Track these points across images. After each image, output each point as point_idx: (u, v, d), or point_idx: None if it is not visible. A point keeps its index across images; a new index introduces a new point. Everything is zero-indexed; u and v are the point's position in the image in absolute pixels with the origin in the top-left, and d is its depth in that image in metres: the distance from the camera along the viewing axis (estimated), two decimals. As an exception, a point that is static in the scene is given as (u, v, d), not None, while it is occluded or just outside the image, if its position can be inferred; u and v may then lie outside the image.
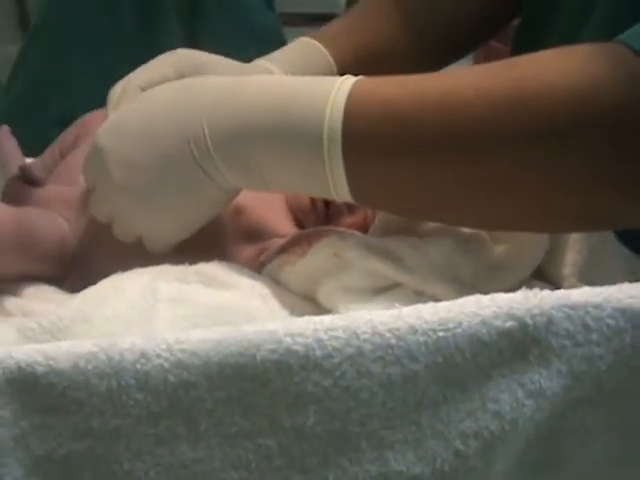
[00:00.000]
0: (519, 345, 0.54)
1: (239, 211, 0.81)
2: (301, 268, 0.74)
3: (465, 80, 0.62)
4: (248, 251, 0.81)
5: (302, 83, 0.68)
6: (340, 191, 0.67)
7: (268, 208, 0.82)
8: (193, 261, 0.77)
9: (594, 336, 0.55)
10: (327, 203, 0.81)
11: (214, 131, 0.69)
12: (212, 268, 0.76)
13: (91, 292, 0.73)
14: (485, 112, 0.59)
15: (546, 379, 0.55)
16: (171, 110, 0.71)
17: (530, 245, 0.74)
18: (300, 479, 0.54)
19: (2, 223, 0.74)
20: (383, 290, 0.71)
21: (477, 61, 2.16)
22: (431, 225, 0.76)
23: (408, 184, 0.64)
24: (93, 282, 0.73)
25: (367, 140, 0.64)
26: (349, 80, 0.66)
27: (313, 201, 0.81)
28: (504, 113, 0.59)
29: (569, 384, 0.55)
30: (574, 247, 0.76)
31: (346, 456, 0.54)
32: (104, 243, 0.79)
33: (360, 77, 0.66)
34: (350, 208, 0.81)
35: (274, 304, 0.71)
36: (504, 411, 0.55)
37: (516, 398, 0.55)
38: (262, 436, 0.53)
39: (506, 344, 0.54)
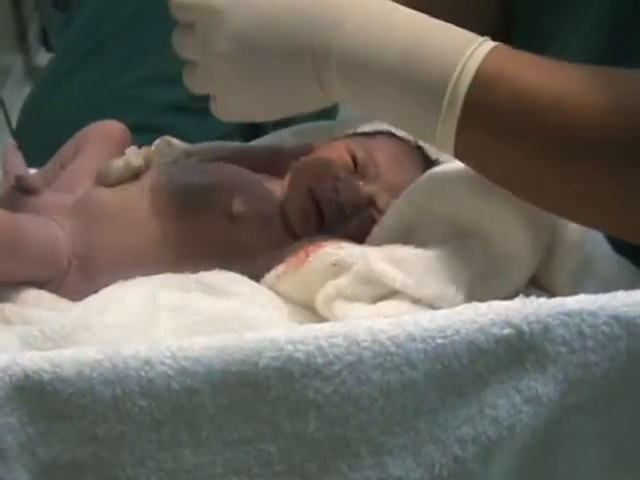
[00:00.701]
0: (516, 352, 0.55)
1: (234, 219, 0.81)
2: (299, 277, 0.75)
3: (583, 85, 0.64)
4: (244, 260, 0.81)
5: (437, 29, 0.68)
6: (444, 147, 0.68)
7: (262, 217, 0.83)
8: (193, 271, 0.78)
9: (589, 343, 0.56)
10: (321, 215, 0.82)
11: (342, 47, 0.69)
12: (212, 277, 0.77)
13: (93, 300, 0.74)
14: (594, 121, 0.62)
15: (542, 385, 0.56)
16: (305, 5, 0.71)
17: (526, 253, 0.75)
18: (300, 484, 0.55)
19: None
20: (381, 299, 0.72)
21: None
22: (428, 234, 0.77)
23: (509, 165, 0.67)
24: (91, 288, 0.74)
25: (484, 116, 0.65)
26: (484, 47, 0.66)
27: (306, 213, 0.82)
28: (612, 125, 0.62)
29: (565, 390, 0.56)
30: (570, 254, 0.76)
31: (346, 461, 0.55)
32: (100, 249, 0.80)
33: (496, 46, 0.67)
34: (345, 218, 0.81)
35: (273, 312, 0.72)
36: (501, 417, 0.56)
37: (513, 404, 0.56)
38: (263, 442, 0.54)
39: (503, 351, 0.55)
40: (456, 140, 0.66)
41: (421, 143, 0.92)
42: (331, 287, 0.73)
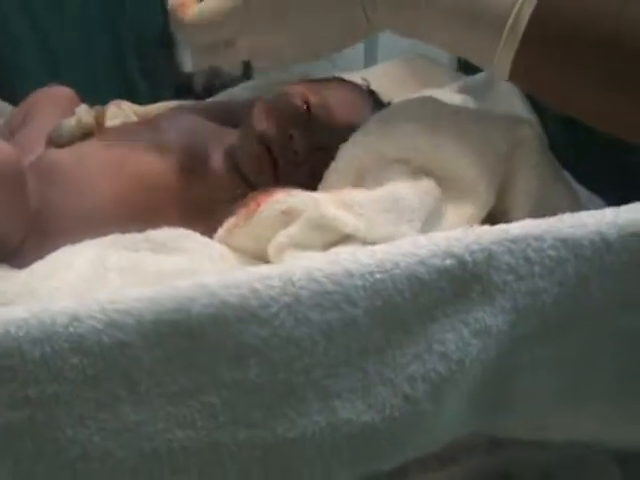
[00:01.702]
0: (460, 283, 0.53)
1: (188, 174, 0.79)
2: (250, 229, 0.73)
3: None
4: (200, 215, 0.79)
5: None
6: (499, 70, 0.68)
7: (218, 170, 0.81)
8: (143, 230, 0.76)
9: (536, 269, 0.54)
10: (276, 163, 0.80)
11: None
12: (161, 234, 0.75)
13: (38, 266, 0.72)
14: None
15: (490, 316, 0.54)
16: None
17: (480, 189, 0.73)
18: (247, 434, 0.53)
19: None
20: (334, 245, 0.70)
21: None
22: (380, 176, 0.75)
23: (569, 88, 0.67)
24: (49, 253, 0.72)
25: (543, 42, 0.66)
26: None
27: (260, 162, 0.80)
28: None
29: (514, 320, 0.54)
30: (524, 191, 0.74)
31: (292, 408, 0.53)
32: (56, 210, 0.78)
33: None
34: (300, 168, 0.79)
35: (223, 266, 0.70)
36: (450, 351, 0.54)
37: (461, 337, 0.54)
38: (204, 393, 0.52)
39: (446, 282, 0.53)
40: (516, 59, 0.66)
41: (373, 88, 0.90)
42: (283, 236, 0.71)
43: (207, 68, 0.94)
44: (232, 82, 1.07)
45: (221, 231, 0.76)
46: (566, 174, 0.80)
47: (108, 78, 1.18)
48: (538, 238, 0.53)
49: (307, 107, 0.81)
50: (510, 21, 0.65)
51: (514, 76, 0.68)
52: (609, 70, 0.64)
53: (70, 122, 0.82)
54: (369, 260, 0.51)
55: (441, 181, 0.74)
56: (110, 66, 1.20)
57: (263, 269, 0.51)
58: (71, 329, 0.50)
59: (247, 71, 1.37)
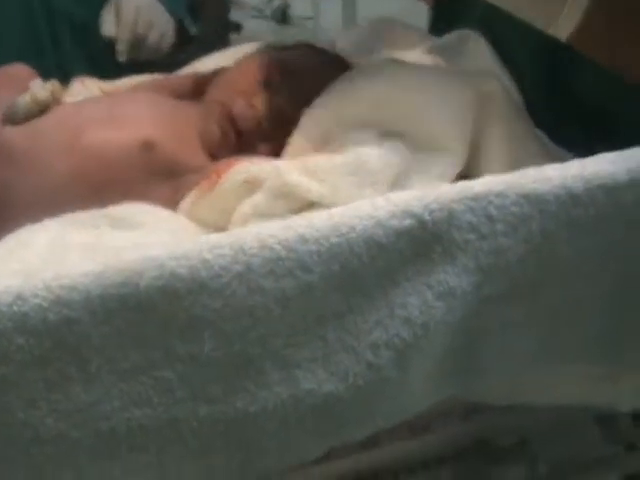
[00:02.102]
0: (420, 244, 0.51)
1: (149, 147, 0.77)
2: (213, 201, 0.71)
3: None
4: (163, 189, 0.77)
5: None
6: (561, 30, 0.66)
7: (180, 143, 0.79)
8: (104, 206, 0.73)
9: (499, 226, 0.52)
10: (239, 133, 0.77)
11: None
12: (121, 210, 0.73)
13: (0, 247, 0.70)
14: None
15: (453, 277, 0.52)
16: None
17: (451, 145, 0.71)
18: (207, 409, 0.51)
19: None
20: (298, 212, 0.68)
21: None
22: (345, 140, 0.72)
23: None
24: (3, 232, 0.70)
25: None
26: None
27: (224, 132, 0.78)
28: None
29: (479, 280, 0.52)
30: (496, 149, 0.72)
31: (252, 380, 0.51)
32: (15, 189, 0.76)
33: None
34: (264, 136, 0.77)
35: (184, 236, 0.68)
36: (413, 316, 0.52)
37: (425, 301, 0.52)
38: (158, 369, 0.50)
39: (405, 244, 0.51)
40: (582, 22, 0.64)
41: (341, 53, 0.87)
42: (246, 205, 0.69)
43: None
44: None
45: (184, 204, 0.74)
46: (541, 134, 0.77)
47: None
48: (500, 195, 0.51)
49: (266, 76, 0.79)
50: None
51: (576, 39, 0.66)
52: None
53: (25, 98, 0.79)
54: (324, 224, 0.49)
55: (409, 142, 0.71)
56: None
57: (213, 238, 0.49)
58: (15, 308, 0.48)
59: (224, 38, 1.35)
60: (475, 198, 0.51)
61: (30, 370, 0.49)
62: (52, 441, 0.51)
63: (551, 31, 0.67)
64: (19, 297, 0.48)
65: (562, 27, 0.66)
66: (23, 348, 0.48)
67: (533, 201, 0.51)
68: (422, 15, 1.14)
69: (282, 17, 3.07)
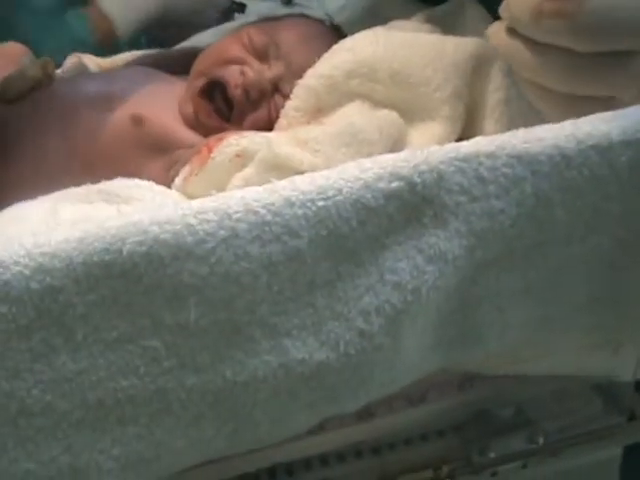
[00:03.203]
0: (410, 207, 0.50)
1: (140, 123, 0.76)
2: (205, 176, 0.70)
3: None
4: (156, 165, 0.76)
5: None
6: None
7: (171, 118, 0.78)
8: (97, 181, 0.73)
9: (491, 188, 0.50)
10: (229, 102, 0.76)
11: None
12: (115, 185, 0.72)
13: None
14: None
15: (445, 241, 0.51)
16: None
17: (446, 113, 0.70)
18: (195, 379, 0.51)
19: None
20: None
21: None
22: (338, 111, 0.71)
23: None
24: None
25: None
26: None
27: (213, 101, 0.77)
28: None
29: (472, 244, 0.51)
30: (492, 116, 0.71)
31: (240, 348, 0.50)
32: (8, 167, 0.75)
33: None
34: (254, 104, 0.76)
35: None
36: (404, 281, 0.51)
37: (415, 265, 0.51)
38: (145, 338, 0.49)
39: (395, 208, 0.49)
40: None
41: (337, 22, 0.86)
42: (238, 179, 0.68)
43: None
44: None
45: (178, 180, 0.73)
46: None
47: None
48: (490, 156, 0.50)
49: (253, 46, 0.78)
50: None
51: None
52: None
53: (15, 75, 0.79)
54: (309, 187, 0.48)
55: (404, 111, 0.70)
56: None
57: (196, 203, 0.48)
58: (-4, 276, 0.47)
59: (227, 18, 1.34)
60: (465, 159, 0.50)
61: (14, 340, 0.48)
62: (39, 413, 0.50)
63: None
64: (0, 265, 0.47)
65: None
66: (6, 317, 0.48)
67: (525, 162, 0.50)
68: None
69: (288, -2, 3.06)
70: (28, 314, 0.48)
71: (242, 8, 1.85)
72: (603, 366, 0.63)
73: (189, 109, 0.76)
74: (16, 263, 0.47)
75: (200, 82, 0.76)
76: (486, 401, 0.64)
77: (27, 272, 0.47)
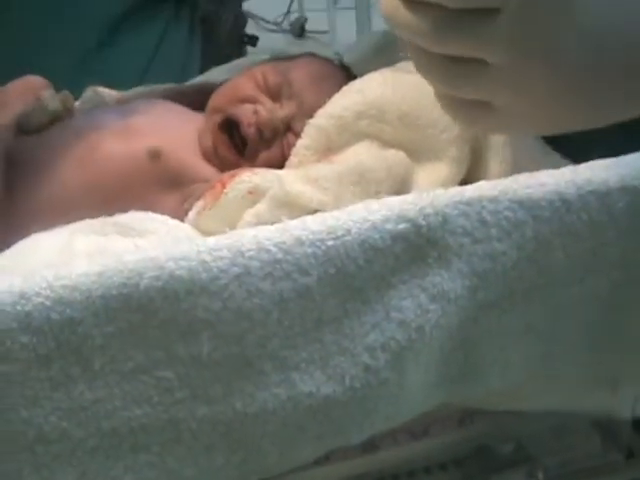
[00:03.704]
0: (415, 248, 0.52)
1: (157, 156, 0.78)
2: (218, 211, 0.73)
3: None
4: (171, 199, 0.79)
5: None
6: None
7: (187, 152, 0.80)
8: (113, 214, 0.75)
9: (493, 231, 0.53)
10: (243, 140, 0.79)
11: None
12: (129, 218, 0.74)
13: (7, 253, 0.72)
14: None
15: (448, 281, 0.53)
16: None
17: (451, 157, 0.72)
18: (206, 410, 0.53)
19: None
20: (301, 221, 0.69)
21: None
22: (347, 155, 0.74)
23: None
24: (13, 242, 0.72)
25: None
26: None
27: (219, 142, 0.79)
28: None
29: (474, 284, 0.53)
30: (496, 157, 0.73)
31: (251, 381, 0.52)
32: (26, 197, 0.78)
33: None
34: (267, 142, 0.79)
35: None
36: (409, 319, 0.53)
37: (419, 304, 0.53)
38: (160, 369, 0.51)
39: (401, 248, 0.52)
40: None
41: (346, 62, 0.89)
42: (250, 215, 0.70)
43: None
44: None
45: (191, 214, 0.75)
46: (540, 140, 0.78)
47: None
48: (493, 200, 0.52)
49: (266, 85, 0.81)
50: None
51: None
52: None
53: (37, 109, 0.82)
54: (319, 227, 0.50)
55: (411, 151, 0.73)
56: None
57: (211, 240, 0.50)
58: (19, 307, 0.49)
59: (240, 51, 1.37)
60: (469, 203, 0.52)
61: (34, 369, 0.50)
62: (56, 440, 0.52)
63: None
64: (22, 296, 0.49)
65: None
66: (27, 347, 0.50)
67: (526, 206, 0.52)
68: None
69: (300, 31, 3.11)
70: (48, 344, 0.50)
71: (254, 41, 1.89)
72: (602, 403, 0.65)
73: (209, 142, 0.79)
74: (37, 294, 0.49)
75: (218, 117, 0.79)
76: (486, 437, 0.66)
77: (48, 303, 0.49)
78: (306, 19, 3.16)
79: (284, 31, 3.19)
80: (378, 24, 2.36)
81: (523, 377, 0.59)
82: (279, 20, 3.19)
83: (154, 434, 0.53)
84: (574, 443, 0.68)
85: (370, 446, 0.62)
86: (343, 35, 2.63)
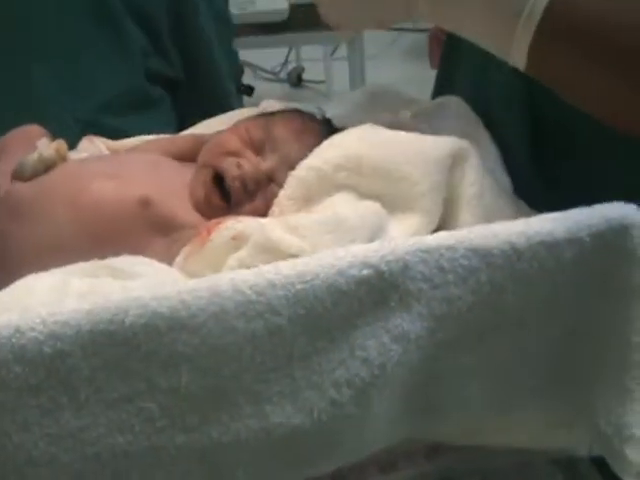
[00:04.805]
0: (378, 292, 0.57)
1: (147, 205, 0.83)
2: (204, 256, 0.77)
3: None
4: (160, 244, 0.83)
5: None
6: (516, 61, 0.70)
7: (176, 201, 0.85)
8: (105, 257, 0.80)
9: (450, 277, 0.57)
10: (227, 192, 0.84)
11: None
12: (120, 261, 0.79)
13: (3, 294, 0.76)
14: None
15: (408, 323, 0.57)
16: None
17: (426, 208, 0.77)
18: (184, 438, 0.57)
19: None
20: (281, 266, 0.74)
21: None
22: (327, 200, 0.79)
23: (581, 77, 0.69)
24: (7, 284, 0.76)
25: (558, 32, 0.68)
26: None
27: (209, 194, 0.84)
28: None
29: (432, 326, 0.58)
30: (467, 208, 0.78)
31: (226, 412, 0.57)
32: (18, 244, 0.82)
33: None
34: (251, 196, 0.84)
35: (176, 287, 0.74)
36: (372, 357, 0.57)
37: (382, 343, 0.57)
38: (142, 399, 0.56)
39: (365, 292, 0.56)
40: (531, 52, 0.68)
41: (328, 116, 0.94)
42: (233, 259, 0.74)
43: None
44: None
45: (179, 258, 0.80)
46: (512, 195, 0.83)
47: None
48: (450, 248, 0.57)
49: (251, 140, 0.86)
50: (525, 12, 0.67)
51: (531, 68, 0.70)
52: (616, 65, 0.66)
53: (32, 157, 0.87)
54: (290, 271, 0.55)
55: (386, 202, 0.78)
56: None
57: (191, 282, 0.55)
58: (14, 340, 0.54)
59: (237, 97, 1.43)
60: (427, 250, 0.57)
61: (25, 397, 0.55)
62: (44, 464, 0.56)
63: (511, 60, 0.71)
64: (18, 330, 0.54)
65: (518, 55, 0.70)
66: (20, 377, 0.54)
67: (480, 255, 0.57)
68: (428, 80, 1.20)
69: (297, 80, 3.19)
70: (39, 374, 0.55)
71: (250, 91, 1.95)
72: (559, 441, 0.69)
73: (201, 193, 0.84)
74: (32, 329, 0.54)
75: (208, 172, 0.85)
76: (452, 470, 0.70)
77: (41, 337, 0.54)
78: (303, 69, 3.25)
79: (281, 81, 3.28)
80: (371, 75, 2.44)
81: (483, 414, 0.63)
82: (277, 70, 3.28)
83: (135, 460, 0.57)
84: (537, 479, 0.72)
85: (338, 477, 0.66)
86: (339, 84, 2.71)
